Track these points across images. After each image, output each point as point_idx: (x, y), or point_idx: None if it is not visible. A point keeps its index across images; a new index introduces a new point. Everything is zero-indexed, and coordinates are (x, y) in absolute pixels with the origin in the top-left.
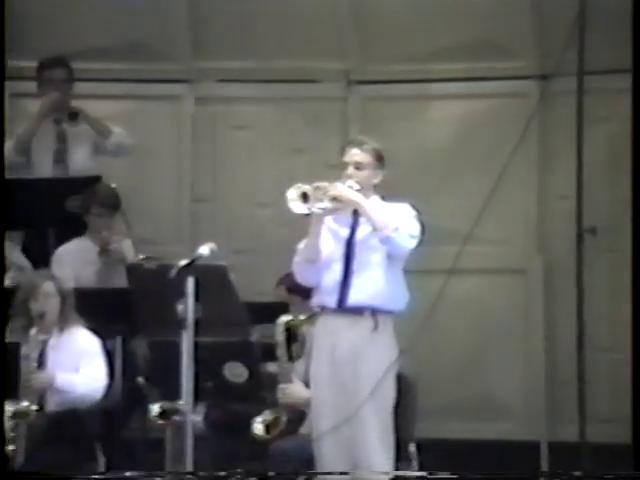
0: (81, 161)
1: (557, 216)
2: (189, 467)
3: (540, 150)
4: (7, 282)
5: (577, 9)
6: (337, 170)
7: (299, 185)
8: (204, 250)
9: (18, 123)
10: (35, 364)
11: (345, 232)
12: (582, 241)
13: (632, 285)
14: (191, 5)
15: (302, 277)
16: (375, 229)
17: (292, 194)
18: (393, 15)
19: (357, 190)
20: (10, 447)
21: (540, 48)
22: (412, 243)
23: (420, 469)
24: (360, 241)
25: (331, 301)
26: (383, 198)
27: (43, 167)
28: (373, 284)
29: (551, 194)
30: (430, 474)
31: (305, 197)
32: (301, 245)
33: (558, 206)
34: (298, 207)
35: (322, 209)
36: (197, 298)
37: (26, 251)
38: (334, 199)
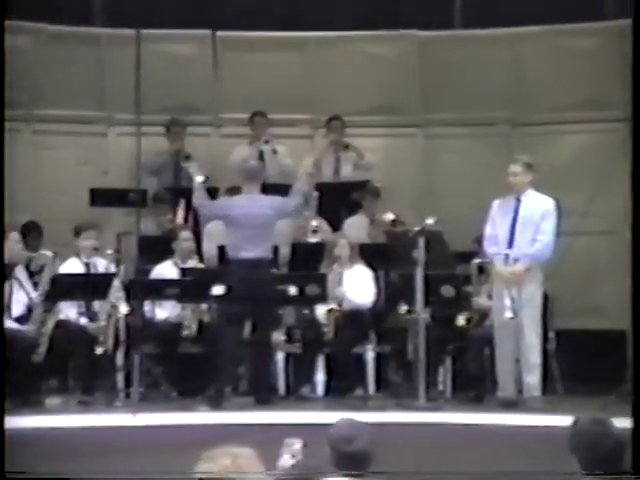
0: (347, 172)
1: None
2: (422, 343)
3: None
4: (317, 239)
5: None
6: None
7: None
8: (429, 221)
9: (315, 153)
10: (337, 285)
11: (510, 213)
12: None
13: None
14: (420, 79)
15: (488, 250)
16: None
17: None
18: (539, 80)
19: None
20: (325, 329)
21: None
22: (549, 253)
23: (558, 347)
24: (520, 220)
25: (501, 255)
26: (537, 190)
27: (326, 176)
28: (528, 245)
29: None
30: None
31: None
32: (487, 230)
33: None
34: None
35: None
36: (427, 249)
37: (329, 221)
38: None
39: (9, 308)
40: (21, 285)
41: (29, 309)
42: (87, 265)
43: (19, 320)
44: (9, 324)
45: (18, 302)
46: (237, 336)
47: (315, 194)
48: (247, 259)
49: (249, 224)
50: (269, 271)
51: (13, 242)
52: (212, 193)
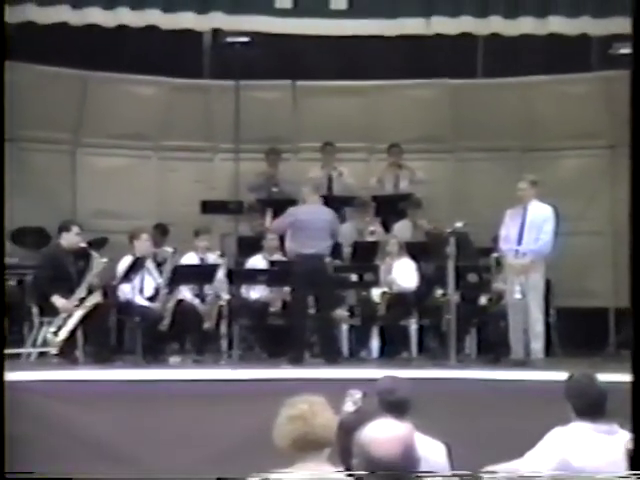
0: (404, 186)
1: None
2: (453, 318)
3: None
4: (372, 239)
5: None
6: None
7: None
8: (458, 224)
9: (377, 172)
10: (388, 273)
11: (519, 218)
12: None
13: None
14: (451, 116)
15: (502, 247)
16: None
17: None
18: (544, 116)
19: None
20: (378, 307)
21: None
22: (549, 248)
23: (557, 321)
24: (527, 224)
25: (512, 250)
26: (540, 200)
27: (388, 189)
28: (533, 243)
29: None
30: None
31: None
32: (502, 231)
33: None
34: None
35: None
36: (456, 246)
37: (383, 224)
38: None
39: (142, 290)
40: (150, 273)
41: (156, 291)
42: (202, 259)
43: (149, 299)
44: (143, 302)
45: (148, 286)
46: (304, 312)
47: (373, 204)
48: (307, 254)
49: (311, 227)
50: (324, 264)
51: (143, 241)
52: (291, 204)
